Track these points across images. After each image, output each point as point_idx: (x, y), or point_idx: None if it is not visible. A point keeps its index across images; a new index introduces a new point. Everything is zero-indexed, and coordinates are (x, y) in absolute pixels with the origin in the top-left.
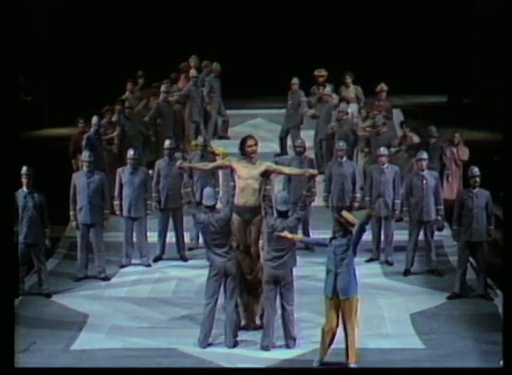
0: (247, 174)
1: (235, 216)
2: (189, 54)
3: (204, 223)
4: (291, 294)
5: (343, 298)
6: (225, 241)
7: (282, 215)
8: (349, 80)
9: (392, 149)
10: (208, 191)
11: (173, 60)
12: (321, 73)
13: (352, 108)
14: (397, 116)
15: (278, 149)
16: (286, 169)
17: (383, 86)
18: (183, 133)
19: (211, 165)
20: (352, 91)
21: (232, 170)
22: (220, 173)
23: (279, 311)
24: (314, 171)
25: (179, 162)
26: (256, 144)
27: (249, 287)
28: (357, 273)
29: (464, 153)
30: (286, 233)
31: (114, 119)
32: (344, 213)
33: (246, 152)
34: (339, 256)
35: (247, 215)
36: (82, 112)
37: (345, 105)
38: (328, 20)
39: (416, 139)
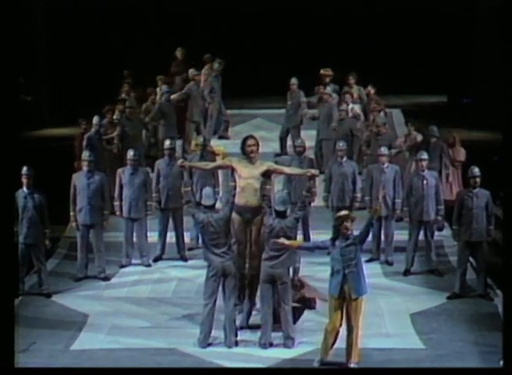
0: (247, 174)
1: (235, 216)
2: (189, 54)
3: (204, 222)
4: (288, 293)
5: (354, 297)
6: (224, 240)
7: (281, 215)
8: (352, 80)
9: (393, 150)
10: (207, 190)
11: (173, 60)
12: (328, 72)
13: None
14: (397, 115)
15: (278, 149)
16: (287, 170)
17: (370, 89)
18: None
19: (212, 164)
20: (355, 91)
21: (232, 170)
22: (220, 172)
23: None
24: (316, 171)
25: (180, 161)
26: (257, 144)
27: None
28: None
29: (460, 154)
30: (283, 240)
31: (115, 117)
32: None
33: (246, 152)
34: (347, 257)
35: (248, 215)
36: (82, 112)
37: (346, 105)
38: (328, 20)
39: (420, 138)
